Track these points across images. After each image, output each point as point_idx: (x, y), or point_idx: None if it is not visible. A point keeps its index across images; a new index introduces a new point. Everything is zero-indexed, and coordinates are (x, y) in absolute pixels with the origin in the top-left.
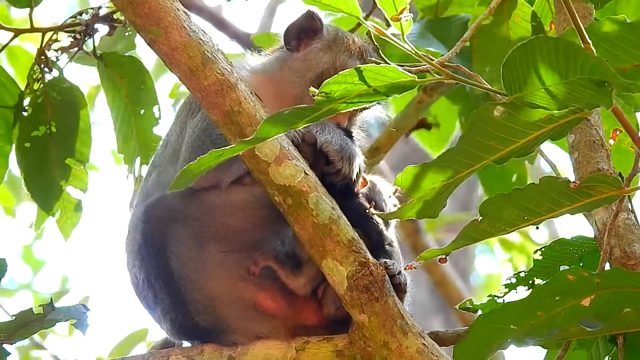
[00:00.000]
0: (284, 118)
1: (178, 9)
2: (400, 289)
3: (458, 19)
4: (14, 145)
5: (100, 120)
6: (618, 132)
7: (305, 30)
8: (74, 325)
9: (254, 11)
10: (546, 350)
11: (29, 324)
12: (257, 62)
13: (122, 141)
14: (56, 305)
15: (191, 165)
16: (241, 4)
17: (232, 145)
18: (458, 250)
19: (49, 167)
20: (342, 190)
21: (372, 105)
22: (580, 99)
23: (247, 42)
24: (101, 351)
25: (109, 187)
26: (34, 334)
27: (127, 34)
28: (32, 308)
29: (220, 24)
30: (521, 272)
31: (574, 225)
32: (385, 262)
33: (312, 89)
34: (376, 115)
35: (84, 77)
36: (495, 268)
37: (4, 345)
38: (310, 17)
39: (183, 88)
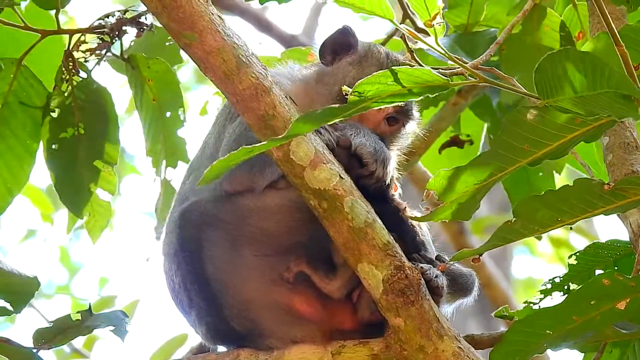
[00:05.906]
0: (315, 116)
1: (212, 13)
2: (436, 293)
3: (487, 34)
4: (42, 146)
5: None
6: None
7: (340, 45)
8: (113, 332)
9: (298, 12)
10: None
11: (67, 330)
12: (300, 73)
13: (151, 144)
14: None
15: (221, 160)
16: (286, 5)
17: (263, 143)
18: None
19: (78, 169)
20: (375, 193)
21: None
22: (610, 109)
23: (291, 43)
24: (142, 356)
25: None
26: (71, 340)
27: (168, 43)
28: (69, 314)
29: (265, 26)
30: (556, 277)
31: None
32: (422, 267)
33: (345, 87)
34: (413, 131)
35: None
36: (536, 271)
37: (42, 352)
38: (344, 32)
39: (213, 103)
